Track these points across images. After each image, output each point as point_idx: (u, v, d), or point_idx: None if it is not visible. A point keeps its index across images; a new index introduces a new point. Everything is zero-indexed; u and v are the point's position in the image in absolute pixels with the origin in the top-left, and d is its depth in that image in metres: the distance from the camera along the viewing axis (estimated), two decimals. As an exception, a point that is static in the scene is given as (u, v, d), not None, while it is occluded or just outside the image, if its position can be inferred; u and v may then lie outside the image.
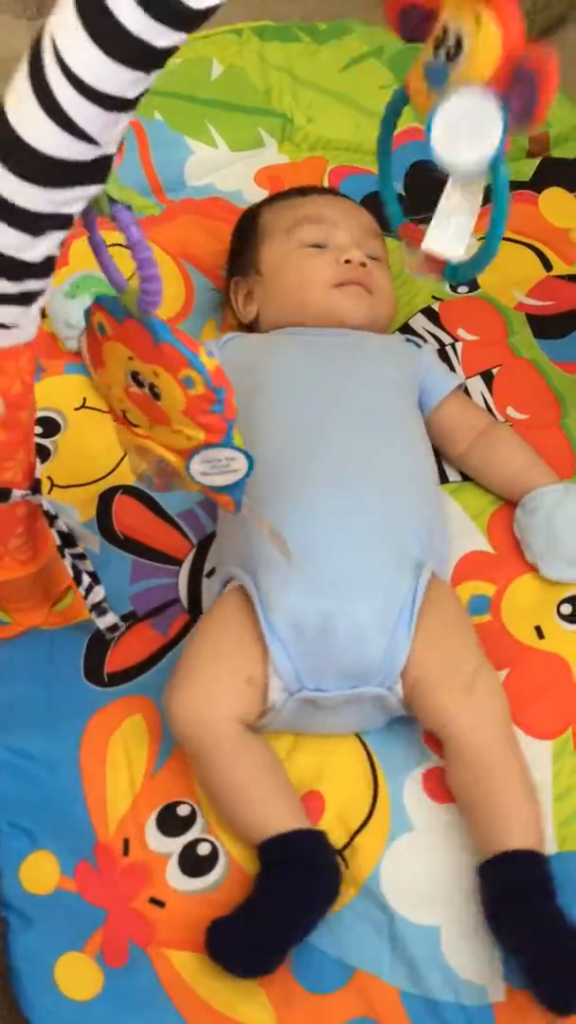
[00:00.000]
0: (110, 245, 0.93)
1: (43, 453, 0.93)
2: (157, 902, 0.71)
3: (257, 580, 0.75)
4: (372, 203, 1.03)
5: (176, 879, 0.72)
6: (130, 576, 0.86)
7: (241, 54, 1.20)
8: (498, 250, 0.65)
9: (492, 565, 0.86)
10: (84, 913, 0.70)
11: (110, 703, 0.79)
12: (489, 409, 0.96)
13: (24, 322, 0.60)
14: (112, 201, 0.56)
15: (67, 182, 0.53)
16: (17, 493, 0.70)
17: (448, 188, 0.65)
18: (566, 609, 0.83)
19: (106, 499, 0.91)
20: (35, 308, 0.59)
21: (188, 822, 0.74)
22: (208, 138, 1.15)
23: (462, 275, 0.68)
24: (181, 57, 1.19)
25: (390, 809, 0.74)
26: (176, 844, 0.73)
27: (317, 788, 0.75)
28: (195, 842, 0.73)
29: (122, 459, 0.92)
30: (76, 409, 0.96)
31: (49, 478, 0.91)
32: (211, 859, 0.73)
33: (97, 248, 0.61)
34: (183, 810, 0.75)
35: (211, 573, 0.85)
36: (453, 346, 1.00)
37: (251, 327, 0.97)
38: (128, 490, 0.91)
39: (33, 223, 0.54)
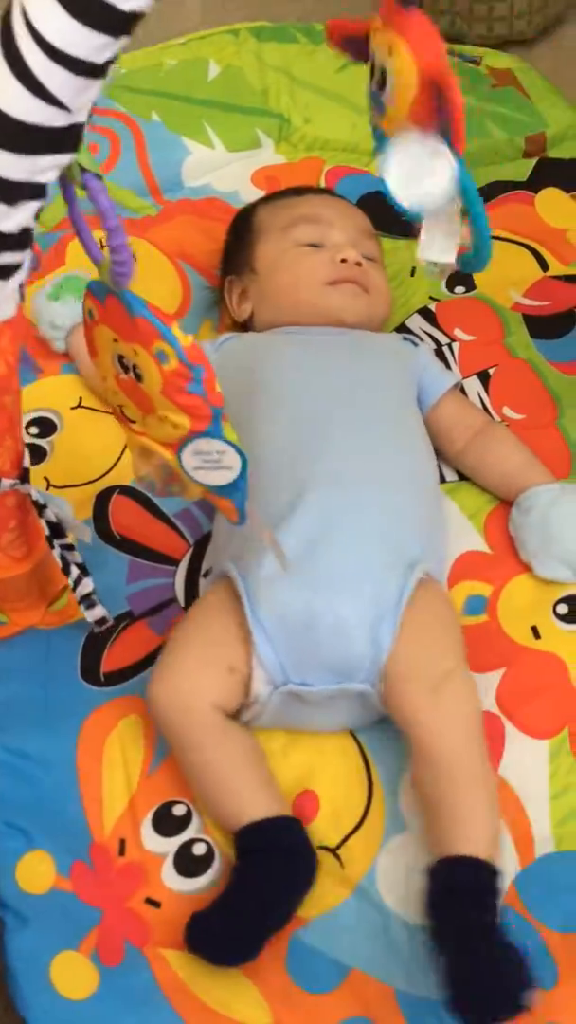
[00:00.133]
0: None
1: (39, 454, 0.94)
2: (153, 902, 0.72)
3: (245, 573, 0.75)
4: (369, 203, 1.03)
5: (172, 879, 0.72)
6: (127, 576, 0.87)
7: (238, 54, 1.20)
8: (490, 252, 0.66)
9: (489, 565, 0.86)
10: (80, 913, 0.71)
11: (106, 703, 0.79)
12: (486, 409, 0.96)
13: (2, 297, 0.60)
14: (83, 170, 0.57)
15: (39, 149, 0.54)
16: (5, 482, 0.70)
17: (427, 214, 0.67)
18: (562, 609, 0.83)
19: (103, 499, 0.91)
20: (12, 283, 0.60)
21: (184, 822, 0.74)
22: (205, 138, 1.15)
23: (472, 267, 0.69)
24: (178, 58, 1.20)
25: (385, 809, 0.74)
26: (172, 844, 0.73)
27: (312, 787, 0.75)
28: (190, 842, 0.73)
29: (118, 459, 0.92)
30: (72, 408, 0.96)
31: (46, 479, 0.91)
32: (206, 859, 0.73)
33: (76, 222, 0.61)
34: (179, 810, 0.75)
35: (208, 573, 0.86)
36: (450, 346, 1.00)
37: (245, 326, 0.97)
38: (125, 490, 0.91)
39: (7, 192, 0.55)
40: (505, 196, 1.11)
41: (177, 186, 1.13)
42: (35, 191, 0.56)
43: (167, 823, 0.74)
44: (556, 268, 1.06)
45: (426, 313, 1.02)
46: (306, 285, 0.92)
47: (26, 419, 0.93)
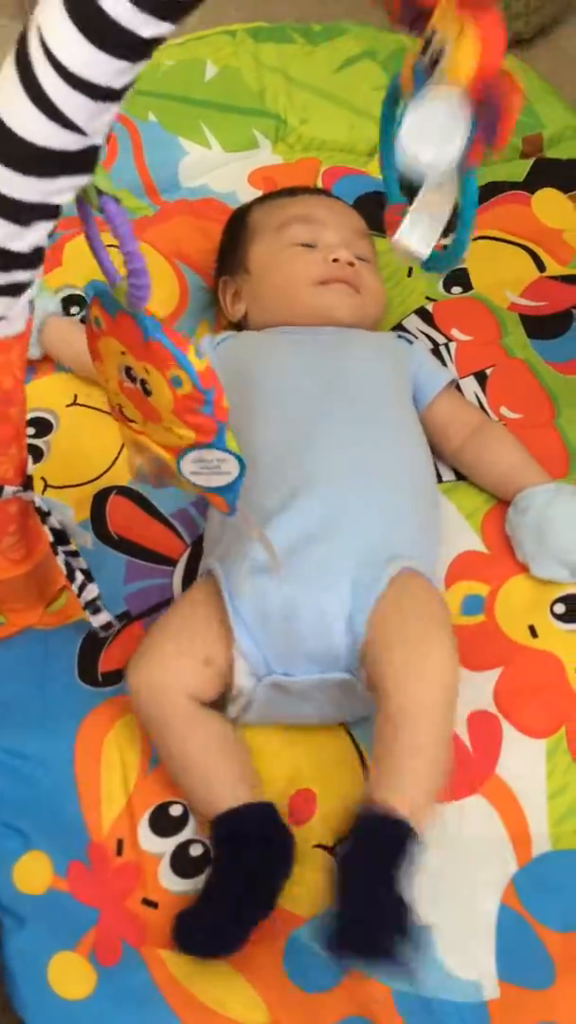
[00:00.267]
0: (106, 246, 0.95)
1: (36, 454, 0.94)
2: (150, 903, 0.72)
3: (228, 570, 0.76)
4: (365, 204, 1.04)
5: (168, 880, 0.72)
6: (124, 576, 0.87)
7: (235, 55, 1.20)
8: (465, 252, 0.68)
9: (486, 565, 0.86)
10: (77, 913, 0.71)
11: (104, 703, 0.79)
12: (483, 409, 0.96)
13: (12, 314, 0.60)
14: (100, 193, 0.56)
15: (55, 172, 0.53)
16: (9, 490, 0.70)
17: (423, 191, 0.67)
18: (559, 609, 0.83)
19: (100, 500, 0.91)
20: (23, 300, 0.60)
21: (180, 823, 0.74)
22: (202, 139, 1.15)
23: (436, 267, 0.70)
24: (175, 58, 1.20)
25: (382, 808, 0.74)
26: (168, 844, 0.74)
27: (308, 786, 0.75)
28: (187, 843, 0.74)
29: (116, 459, 0.92)
30: (67, 406, 0.96)
31: (43, 479, 0.91)
32: (203, 860, 0.73)
33: (92, 241, 0.61)
34: (175, 810, 0.75)
35: (205, 574, 0.86)
36: (447, 346, 1.00)
37: (240, 326, 0.97)
38: (122, 491, 0.91)
39: (21, 212, 0.54)
40: (502, 196, 1.11)
41: (174, 186, 1.13)
42: (49, 212, 0.55)
43: (164, 823, 0.74)
44: (553, 268, 1.06)
45: (423, 313, 1.02)
46: (297, 285, 0.92)
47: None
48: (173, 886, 0.72)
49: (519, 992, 0.67)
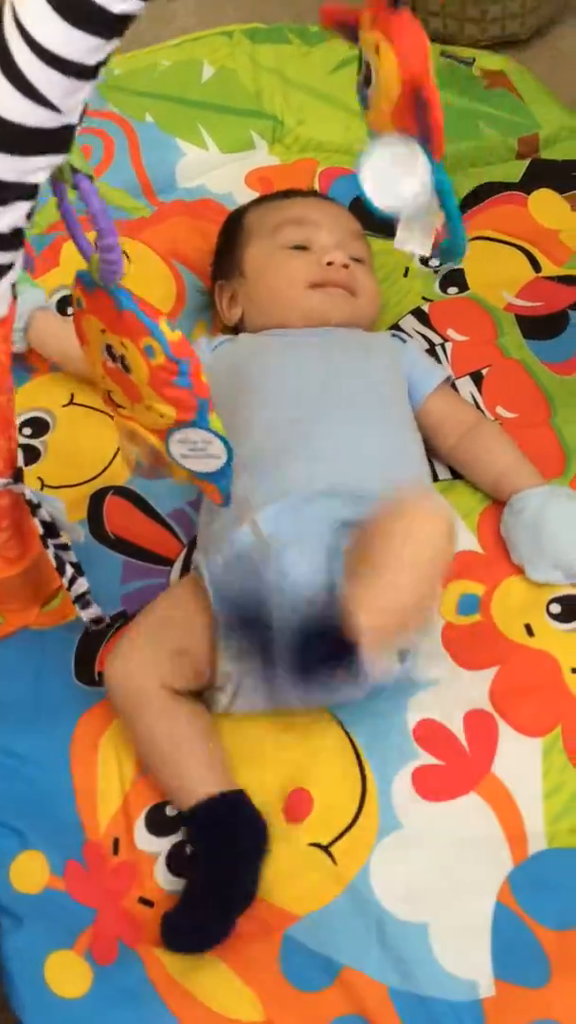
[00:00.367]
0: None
1: (33, 454, 0.94)
2: (146, 902, 0.72)
3: (210, 554, 0.77)
4: (361, 206, 1.03)
5: (164, 879, 0.72)
6: (121, 576, 0.87)
7: (232, 56, 1.20)
8: (465, 248, 0.69)
9: (482, 565, 0.87)
10: (73, 912, 0.71)
11: (100, 702, 0.79)
12: (479, 409, 0.96)
13: None
14: (74, 171, 0.57)
15: (31, 150, 0.54)
16: (-1, 481, 0.71)
17: (402, 214, 0.67)
18: (555, 608, 0.83)
19: (97, 500, 0.91)
20: (4, 283, 0.60)
21: (176, 822, 0.74)
22: (199, 140, 1.15)
23: (446, 260, 0.72)
24: (172, 59, 1.20)
25: (378, 807, 0.74)
26: (164, 844, 0.74)
27: (305, 786, 0.75)
28: (183, 842, 0.74)
29: (112, 459, 0.92)
30: (64, 406, 0.96)
31: (40, 479, 0.91)
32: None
33: (66, 215, 0.62)
34: (171, 810, 0.75)
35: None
36: (443, 346, 1.00)
37: (237, 330, 0.97)
38: (119, 491, 0.91)
39: None
40: (498, 197, 1.11)
41: (171, 187, 1.13)
42: (26, 191, 0.56)
43: (160, 823, 0.74)
44: (549, 269, 1.06)
45: (419, 314, 1.03)
46: (290, 287, 0.92)
47: (20, 419, 0.93)
48: (169, 885, 0.72)
49: (515, 990, 0.67)
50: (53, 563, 0.76)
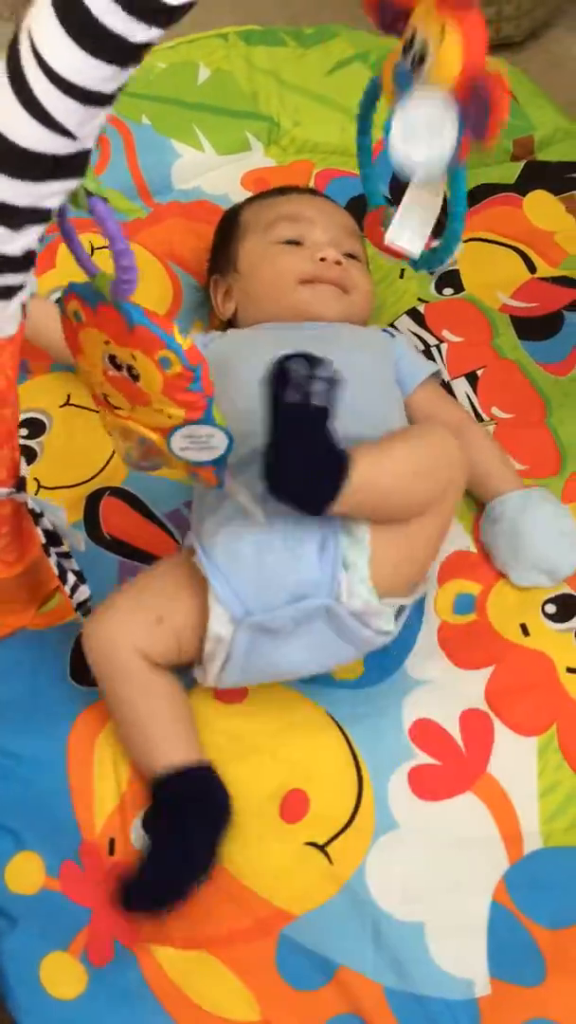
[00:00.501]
0: (98, 248, 0.95)
1: (29, 454, 0.94)
2: (142, 900, 0.72)
3: (201, 529, 0.77)
4: (357, 206, 1.04)
5: (160, 876, 0.73)
6: (117, 577, 0.87)
7: (228, 58, 1.20)
8: (458, 246, 0.68)
9: (478, 564, 0.87)
10: (69, 913, 0.71)
11: (97, 703, 0.79)
12: (474, 409, 0.96)
13: (4, 317, 0.60)
14: (89, 194, 0.57)
15: (46, 176, 0.54)
16: (1, 491, 0.71)
17: (411, 189, 0.67)
18: (551, 609, 0.84)
19: (93, 501, 0.91)
20: (15, 303, 0.60)
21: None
22: (195, 141, 1.15)
23: (429, 264, 0.71)
24: (167, 61, 1.20)
25: (374, 807, 0.74)
26: (160, 842, 0.74)
27: (301, 786, 0.75)
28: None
29: (109, 460, 0.92)
30: (61, 407, 0.96)
31: (36, 480, 0.91)
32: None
33: (67, 235, 0.62)
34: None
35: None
36: (438, 347, 1.00)
37: (231, 324, 0.97)
38: (115, 492, 0.91)
39: (11, 216, 0.55)
40: (493, 199, 1.12)
41: (167, 189, 1.13)
42: (40, 216, 0.56)
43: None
44: (544, 270, 1.07)
45: (414, 315, 1.03)
46: (282, 282, 0.92)
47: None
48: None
49: (511, 989, 0.67)
50: (55, 571, 0.76)
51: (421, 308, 1.03)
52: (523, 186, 1.13)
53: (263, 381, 0.69)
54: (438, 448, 0.76)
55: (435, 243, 0.74)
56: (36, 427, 0.96)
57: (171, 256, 1.08)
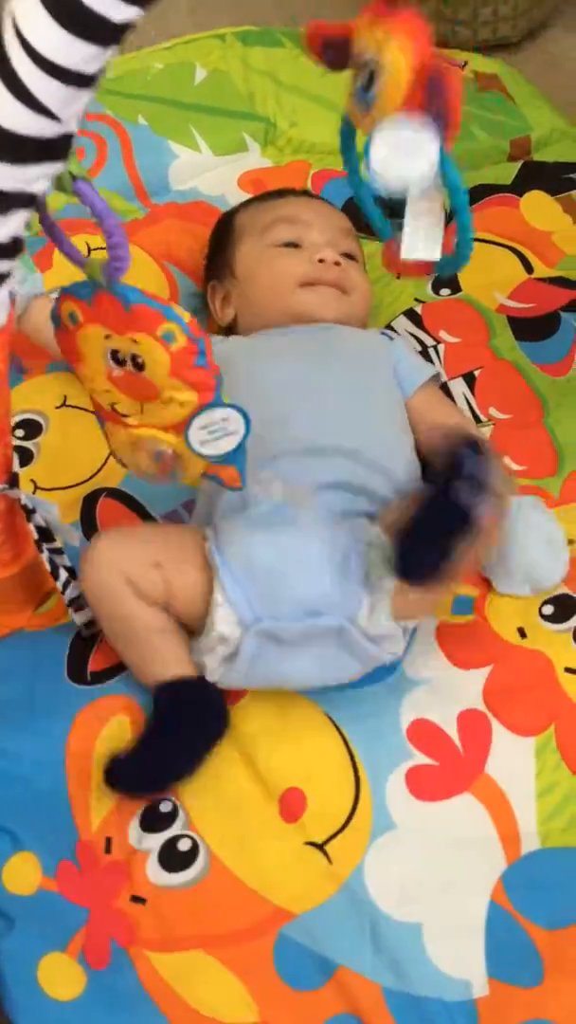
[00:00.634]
0: (94, 249, 0.95)
1: (26, 456, 0.94)
2: (138, 899, 0.72)
3: (217, 527, 0.77)
4: (354, 207, 1.03)
5: (156, 874, 0.72)
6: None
7: (224, 59, 1.20)
8: (472, 245, 0.68)
9: (475, 568, 0.87)
10: (66, 913, 0.71)
11: (94, 702, 0.79)
12: (471, 409, 0.96)
13: None
14: (73, 177, 0.57)
15: (30, 158, 0.54)
16: (-5, 487, 0.71)
17: (410, 200, 0.67)
18: (548, 610, 0.84)
19: (90, 502, 0.91)
20: (3, 292, 0.60)
21: (169, 818, 0.74)
22: (192, 142, 1.15)
23: (448, 269, 0.71)
24: (164, 62, 1.20)
25: (372, 807, 0.74)
26: (156, 840, 0.73)
27: (298, 785, 0.75)
28: (176, 838, 0.74)
29: (106, 461, 0.92)
30: (57, 408, 0.96)
31: (32, 481, 0.91)
32: (191, 855, 0.73)
33: (50, 228, 0.62)
34: (164, 807, 0.75)
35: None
36: (435, 348, 1.00)
37: (230, 330, 0.97)
38: (112, 493, 0.91)
39: None
40: (490, 199, 1.12)
41: (164, 189, 1.13)
42: (25, 200, 0.56)
43: (152, 819, 0.74)
44: (541, 270, 1.07)
45: (411, 315, 1.03)
46: (282, 285, 0.92)
47: (12, 421, 0.93)
48: (161, 880, 0.72)
49: (508, 990, 0.67)
50: (48, 567, 0.76)
51: (418, 308, 1.03)
52: (520, 186, 1.13)
53: (438, 453, 0.71)
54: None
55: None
56: (32, 428, 0.96)
57: (168, 257, 1.08)
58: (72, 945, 0.70)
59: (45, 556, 0.76)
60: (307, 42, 0.68)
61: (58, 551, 0.77)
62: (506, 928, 0.70)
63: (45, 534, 0.76)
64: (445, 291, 1.06)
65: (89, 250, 0.96)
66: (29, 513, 0.74)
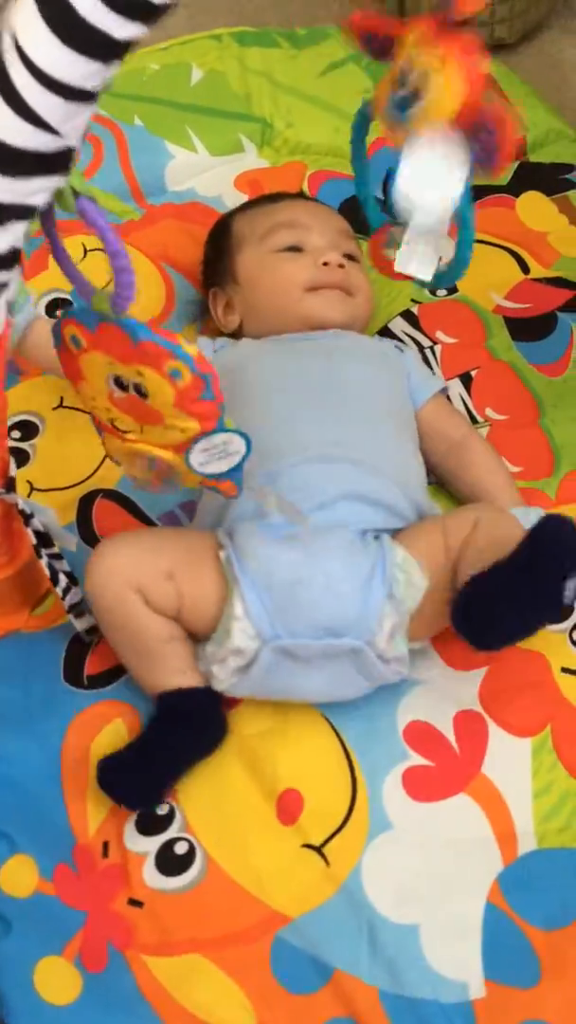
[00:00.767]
0: (91, 250, 0.95)
1: (22, 457, 0.93)
2: (135, 902, 0.72)
3: (232, 532, 0.77)
4: (350, 208, 1.04)
5: (153, 878, 0.72)
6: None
7: (221, 59, 1.20)
8: (468, 264, 0.68)
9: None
10: (63, 916, 0.71)
11: (91, 706, 0.79)
12: (468, 411, 0.96)
13: None
14: (76, 195, 0.56)
15: (30, 172, 0.54)
16: (-8, 492, 0.70)
17: (414, 220, 0.67)
18: (545, 610, 0.84)
19: (86, 503, 0.91)
20: (1, 301, 0.60)
21: (166, 821, 0.74)
22: (188, 143, 1.15)
23: (446, 280, 0.70)
24: (160, 63, 1.20)
25: (369, 808, 0.74)
26: (153, 843, 0.73)
27: (295, 787, 0.75)
28: (172, 841, 0.73)
29: (102, 462, 0.92)
30: (54, 409, 0.96)
31: (29, 482, 0.91)
32: (188, 858, 0.73)
33: (59, 256, 0.62)
34: (161, 809, 0.75)
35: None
36: (432, 349, 1.00)
37: (235, 336, 0.97)
38: (108, 494, 0.91)
39: None
40: (486, 199, 1.12)
41: (160, 190, 1.13)
42: (24, 213, 0.56)
43: (149, 822, 0.74)
44: (537, 271, 1.07)
45: (408, 316, 1.03)
46: (287, 292, 0.92)
47: (8, 422, 0.93)
48: (158, 883, 0.72)
49: (505, 991, 0.67)
50: (47, 573, 0.76)
51: (415, 309, 1.03)
52: (516, 187, 1.13)
53: (539, 533, 0.70)
54: None
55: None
56: (29, 429, 0.95)
57: (164, 258, 1.08)
58: (69, 948, 0.69)
59: (44, 561, 0.75)
60: (351, 27, 0.64)
61: (57, 556, 0.77)
62: (503, 929, 0.70)
63: (44, 539, 0.75)
64: (441, 292, 1.05)
65: (85, 251, 0.96)
66: (27, 518, 0.74)
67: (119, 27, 0.50)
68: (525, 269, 1.07)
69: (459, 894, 0.71)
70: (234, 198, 1.11)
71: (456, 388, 0.98)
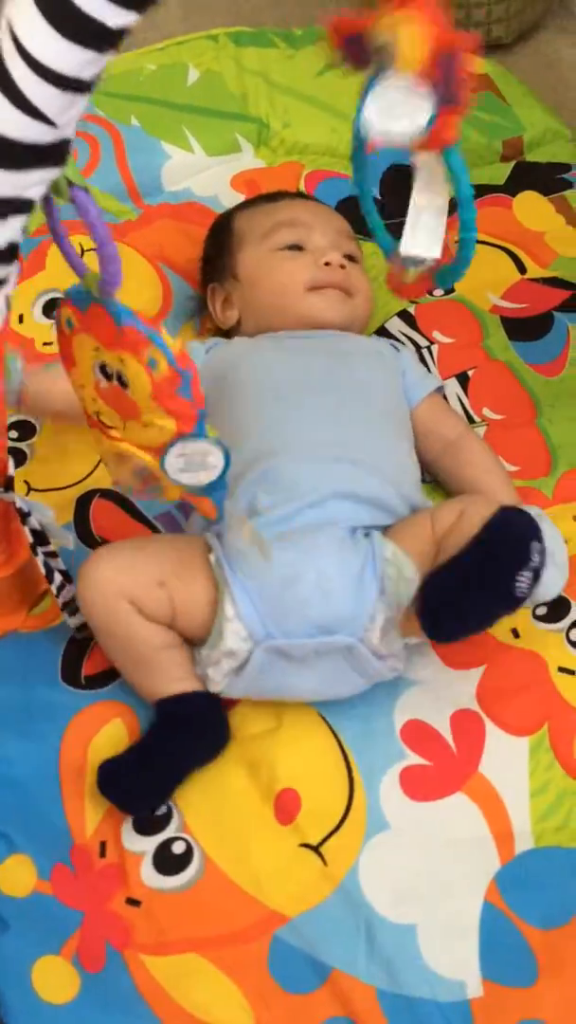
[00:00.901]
0: (88, 250, 0.95)
1: (19, 457, 0.93)
2: (133, 901, 0.72)
3: (222, 534, 0.77)
4: (348, 208, 1.04)
5: (151, 877, 0.72)
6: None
7: (217, 59, 1.20)
8: (469, 264, 0.68)
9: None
10: (61, 916, 0.71)
11: (88, 707, 0.79)
12: (465, 410, 0.96)
13: None
14: (70, 184, 0.57)
15: (26, 164, 0.54)
16: (-10, 491, 0.71)
17: (414, 192, 0.67)
18: (541, 611, 0.84)
19: (83, 503, 0.91)
20: (0, 296, 0.60)
21: (163, 821, 0.74)
22: (185, 143, 1.15)
23: (449, 279, 0.70)
24: (157, 63, 1.20)
25: (366, 808, 0.74)
26: (151, 843, 0.73)
27: (292, 786, 0.75)
28: (170, 841, 0.74)
29: (99, 463, 0.92)
30: (52, 409, 0.96)
31: (26, 482, 0.91)
32: (186, 857, 0.73)
33: (56, 234, 0.62)
34: (159, 809, 0.75)
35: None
36: (429, 349, 1.00)
37: (230, 333, 0.97)
38: (105, 494, 0.91)
39: None
40: (483, 199, 1.12)
41: (157, 190, 1.13)
42: (21, 206, 0.56)
43: (147, 822, 0.74)
44: (534, 271, 1.07)
45: (405, 316, 1.03)
46: (288, 290, 0.92)
47: (7, 422, 0.92)
48: (156, 883, 0.72)
49: (503, 990, 0.67)
50: (42, 570, 0.76)
51: (412, 309, 1.03)
52: (513, 187, 1.13)
53: (496, 528, 0.70)
54: None
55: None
56: (26, 429, 0.95)
57: (161, 258, 1.08)
58: (66, 948, 0.69)
59: (40, 560, 0.76)
60: (329, 37, 0.66)
61: (53, 555, 0.77)
62: (500, 928, 0.70)
63: (40, 538, 0.75)
64: (438, 292, 1.06)
65: (83, 251, 0.95)
66: (24, 516, 0.74)
67: (113, 15, 0.50)
68: (522, 269, 1.07)
69: (456, 893, 0.71)
70: (230, 198, 1.11)
71: (453, 388, 0.98)
